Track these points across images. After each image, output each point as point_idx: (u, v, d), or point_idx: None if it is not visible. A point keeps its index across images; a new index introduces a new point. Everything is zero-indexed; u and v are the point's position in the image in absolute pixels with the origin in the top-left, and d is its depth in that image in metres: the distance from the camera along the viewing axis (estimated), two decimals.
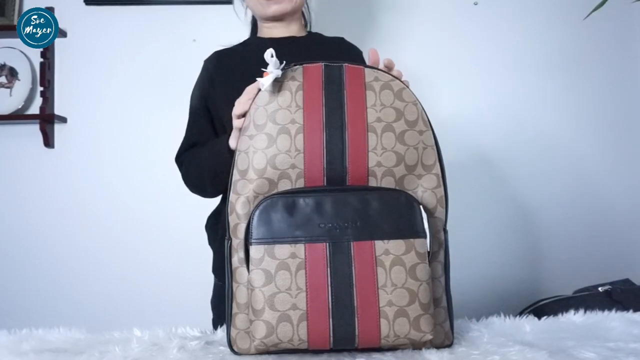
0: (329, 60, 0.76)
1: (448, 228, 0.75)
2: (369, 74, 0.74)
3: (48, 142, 1.80)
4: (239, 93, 0.82)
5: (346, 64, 0.75)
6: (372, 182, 0.72)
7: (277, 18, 1.11)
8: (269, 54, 0.71)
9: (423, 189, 0.73)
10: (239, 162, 0.73)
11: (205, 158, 1.02)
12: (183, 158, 1.09)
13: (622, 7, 1.61)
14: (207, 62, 1.14)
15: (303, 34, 1.17)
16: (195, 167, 1.04)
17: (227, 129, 0.97)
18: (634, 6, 1.62)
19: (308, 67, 0.74)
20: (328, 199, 0.69)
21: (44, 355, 0.70)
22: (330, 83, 0.73)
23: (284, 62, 0.73)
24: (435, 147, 0.74)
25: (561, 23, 1.82)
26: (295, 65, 0.74)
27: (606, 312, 0.89)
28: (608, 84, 1.83)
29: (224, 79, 1.08)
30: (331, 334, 0.66)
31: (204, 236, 1.14)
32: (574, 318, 0.87)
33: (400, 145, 0.72)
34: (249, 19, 1.28)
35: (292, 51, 1.06)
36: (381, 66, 0.80)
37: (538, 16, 1.83)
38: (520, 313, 1.34)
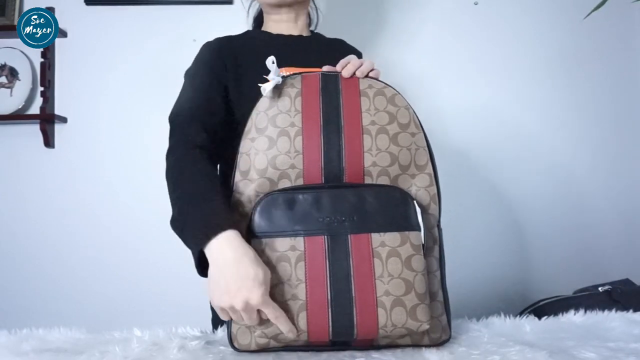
0: (330, 62, 0.80)
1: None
2: (363, 82, 0.79)
3: (48, 142, 1.80)
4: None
5: (341, 73, 0.80)
6: (368, 181, 0.75)
7: (285, 4, 1.10)
8: (270, 61, 0.75)
9: (417, 187, 0.76)
10: (241, 163, 0.76)
11: (186, 195, 0.80)
12: (178, 134, 0.90)
13: (622, 7, 1.62)
14: (212, 44, 1.06)
15: (307, 33, 1.17)
16: (176, 184, 0.83)
17: (235, 110, 0.97)
18: (634, 6, 1.62)
19: (306, 75, 0.79)
20: (326, 194, 0.72)
21: (44, 355, 0.70)
22: (327, 89, 0.77)
23: (283, 71, 0.77)
24: (427, 148, 0.78)
25: (561, 23, 1.82)
26: (294, 74, 0.79)
27: (606, 312, 0.89)
28: (608, 84, 1.84)
29: (234, 63, 1.01)
30: (330, 324, 0.67)
31: None
32: (574, 318, 0.88)
33: (394, 146, 0.75)
34: (251, 19, 1.28)
35: (296, 49, 1.07)
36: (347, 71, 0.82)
37: (538, 16, 1.83)
38: (521, 313, 1.34)
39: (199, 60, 1.04)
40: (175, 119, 0.93)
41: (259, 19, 1.24)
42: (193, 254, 0.75)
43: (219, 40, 1.07)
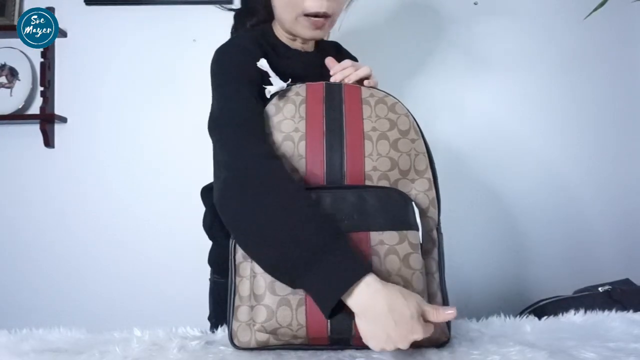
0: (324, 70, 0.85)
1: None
2: (365, 91, 0.82)
3: (48, 142, 1.80)
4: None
5: (345, 83, 0.83)
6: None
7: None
8: (262, 63, 0.81)
9: (416, 191, 0.79)
10: None
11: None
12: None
13: (622, 7, 1.62)
14: (242, 41, 0.94)
15: (312, 48, 1.14)
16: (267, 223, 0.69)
17: None
18: (634, 6, 1.62)
19: (311, 84, 0.83)
20: (327, 195, 0.73)
21: (44, 355, 0.70)
22: (330, 98, 0.81)
23: (290, 79, 0.81)
24: (426, 154, 0.80)
25: (561, 23, 1.82)
26: (300, 83, 0.83)
27: (606, 312, 0.89)
28: (609, 84, 1.83)
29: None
30: (329, 321, 0.67)
31: (204, 236, 1.14)
32: (574, 318, 0.88)
33: (394, 152, 0.78)
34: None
35: (304, 64, 1.03)
36: (339, 76, 0.86)
37: (538, 16, 1.83)
38: (521, 313, 1.34)
39: (235, 57, 0.90)
40: (215, 131, 0.80)
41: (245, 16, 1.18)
42: (323, 307, 0.64)
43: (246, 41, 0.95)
